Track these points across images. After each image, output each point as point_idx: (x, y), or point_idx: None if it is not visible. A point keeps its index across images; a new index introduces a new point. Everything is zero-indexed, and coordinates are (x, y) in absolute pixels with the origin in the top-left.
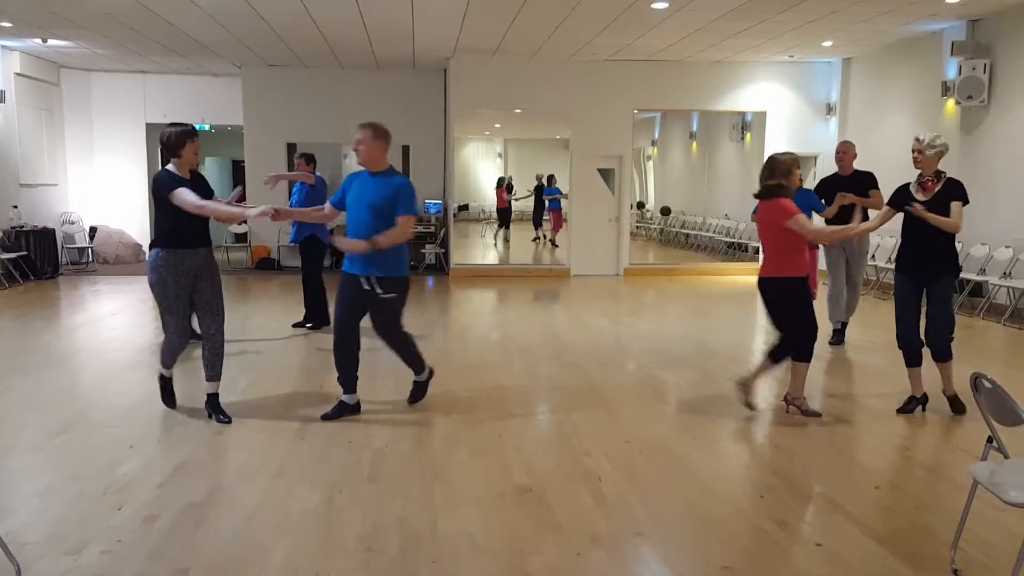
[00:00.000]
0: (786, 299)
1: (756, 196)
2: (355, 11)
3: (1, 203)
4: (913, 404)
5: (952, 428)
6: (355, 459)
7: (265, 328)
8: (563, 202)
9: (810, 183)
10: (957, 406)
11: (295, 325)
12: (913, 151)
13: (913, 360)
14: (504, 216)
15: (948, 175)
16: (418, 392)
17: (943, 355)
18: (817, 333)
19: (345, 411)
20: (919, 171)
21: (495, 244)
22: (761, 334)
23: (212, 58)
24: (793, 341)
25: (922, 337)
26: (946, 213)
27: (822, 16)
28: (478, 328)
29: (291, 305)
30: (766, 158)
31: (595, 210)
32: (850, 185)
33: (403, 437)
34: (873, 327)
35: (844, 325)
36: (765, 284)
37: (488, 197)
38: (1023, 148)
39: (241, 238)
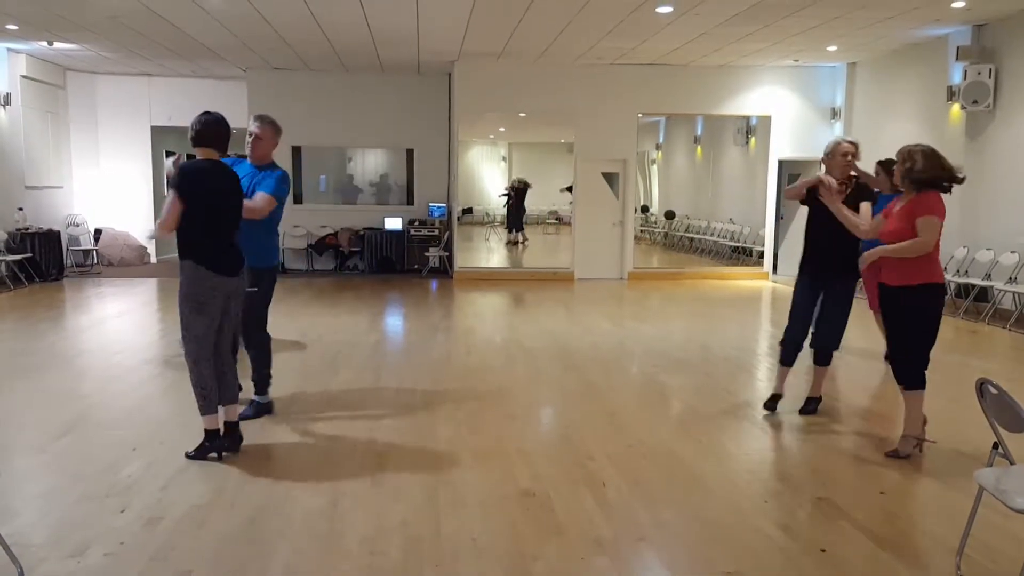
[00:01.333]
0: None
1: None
2: (360, 15)
3: (6, 205)
4: (774, 403)
5: (957, 433)
6: (358, 462)
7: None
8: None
9: None
10: (812, 407)
11: None
12: (849, 155)
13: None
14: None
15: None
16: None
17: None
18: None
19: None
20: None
21: (520, 246)
22: (766, 338)
23: (217, 61)
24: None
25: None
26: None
27: (826, 21)
28: (481, 331)
29: (294, 307)
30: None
31: (599, 214)
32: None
33: (406, 440)
34: (876, 331)
35: None
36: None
37: (493, 201)
38: None
39: None
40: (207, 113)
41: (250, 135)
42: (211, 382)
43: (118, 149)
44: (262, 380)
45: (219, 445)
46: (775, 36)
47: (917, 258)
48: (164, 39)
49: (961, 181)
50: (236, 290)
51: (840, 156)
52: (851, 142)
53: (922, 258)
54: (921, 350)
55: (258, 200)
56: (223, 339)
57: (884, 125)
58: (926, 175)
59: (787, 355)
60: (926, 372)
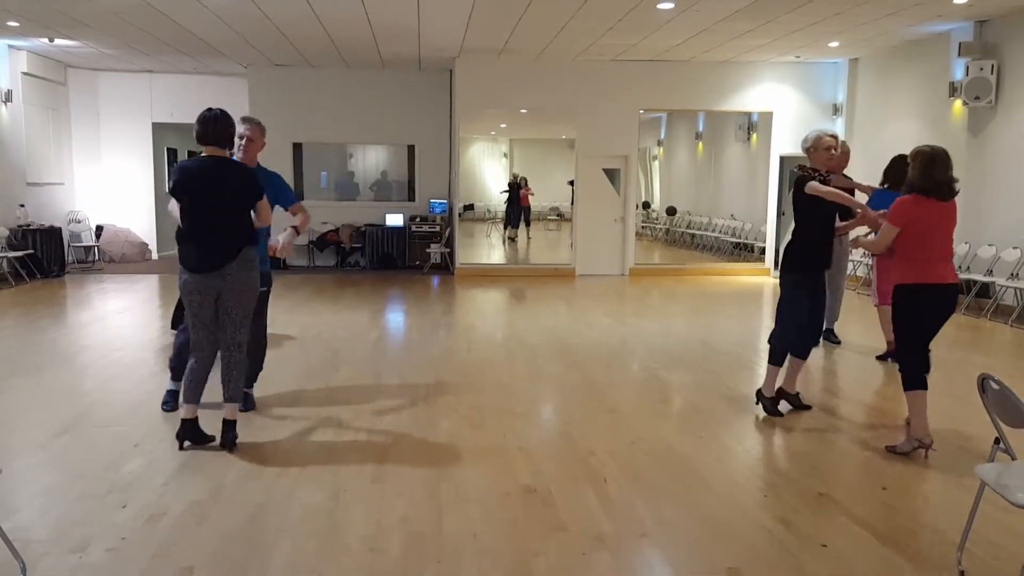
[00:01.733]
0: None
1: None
2: (361, 11)
3: (8, 202)
4: (775, 405)
5: (959, 429)
6: (359, 458)
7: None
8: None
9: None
10: (800, 402)
11: None
12: (831, 148)
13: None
14: (526, 214)
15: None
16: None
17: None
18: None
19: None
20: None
21: (516, 241)
22: (767, 335)
23: (218, 58)
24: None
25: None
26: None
27: (827, 17)
28: (483, 328)
29: (296, 303)
30: (942, 153)
31: (600, 210)
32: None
33: (407, 436)
34: (875, 327)
35: (830, 331)
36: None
37: (494, 197)
38: None
39: None
40: (208, 110)
41: (240, 137)
42: (193, 370)
43: (119, 146)
44: (252, 375)
45: (182, 434)
46: (776, 32)
47: (898, 259)
48: (165, 35)
49: (947, 195)
50: (225, 288)
51: (824, 150)
52: (832, 135)
53: (902, 260)
54: (912, 349)
55: (297, 212)
56: (227, 336)
57: (886, 121)
58: (909, 179)
59: (782, 355)
60: (925, 374)
